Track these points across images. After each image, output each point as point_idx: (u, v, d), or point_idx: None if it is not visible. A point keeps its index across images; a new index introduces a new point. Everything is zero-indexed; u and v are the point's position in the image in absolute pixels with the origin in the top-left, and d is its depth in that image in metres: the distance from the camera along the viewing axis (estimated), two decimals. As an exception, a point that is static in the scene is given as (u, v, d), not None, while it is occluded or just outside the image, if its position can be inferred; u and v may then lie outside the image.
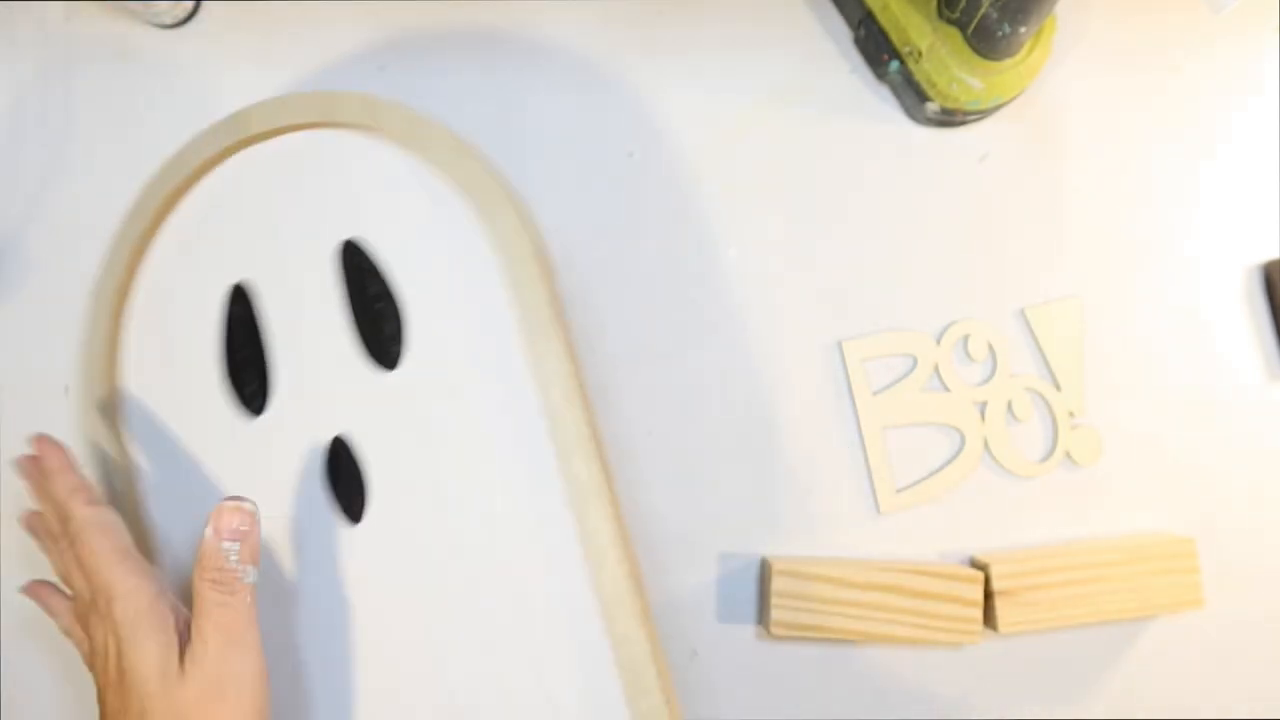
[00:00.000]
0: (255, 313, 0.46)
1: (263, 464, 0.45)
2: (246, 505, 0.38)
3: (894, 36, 0.53)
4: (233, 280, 0.46)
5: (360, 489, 0.44)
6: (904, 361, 0.55)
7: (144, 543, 0.46)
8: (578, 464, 0.41)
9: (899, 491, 0.55)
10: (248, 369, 0.46)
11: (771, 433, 0.55)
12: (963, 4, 0.49)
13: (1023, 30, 0.48)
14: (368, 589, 0.44)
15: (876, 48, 0.54)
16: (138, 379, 0.47)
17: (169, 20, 0.55)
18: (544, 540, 0.42)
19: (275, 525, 0.45)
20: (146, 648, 0.36)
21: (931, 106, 0.54)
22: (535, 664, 0.42)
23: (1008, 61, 0.51)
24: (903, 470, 0.55)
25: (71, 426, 0.54)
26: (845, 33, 0.57)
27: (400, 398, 0.44)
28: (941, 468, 0.55)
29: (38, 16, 0.55)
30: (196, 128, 0.55)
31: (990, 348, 0.55)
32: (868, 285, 0.56)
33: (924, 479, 0.55)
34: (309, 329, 0.45)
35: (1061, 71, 0.57)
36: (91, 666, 0.39)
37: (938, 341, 0.55)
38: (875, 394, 0.55)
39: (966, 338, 0.55)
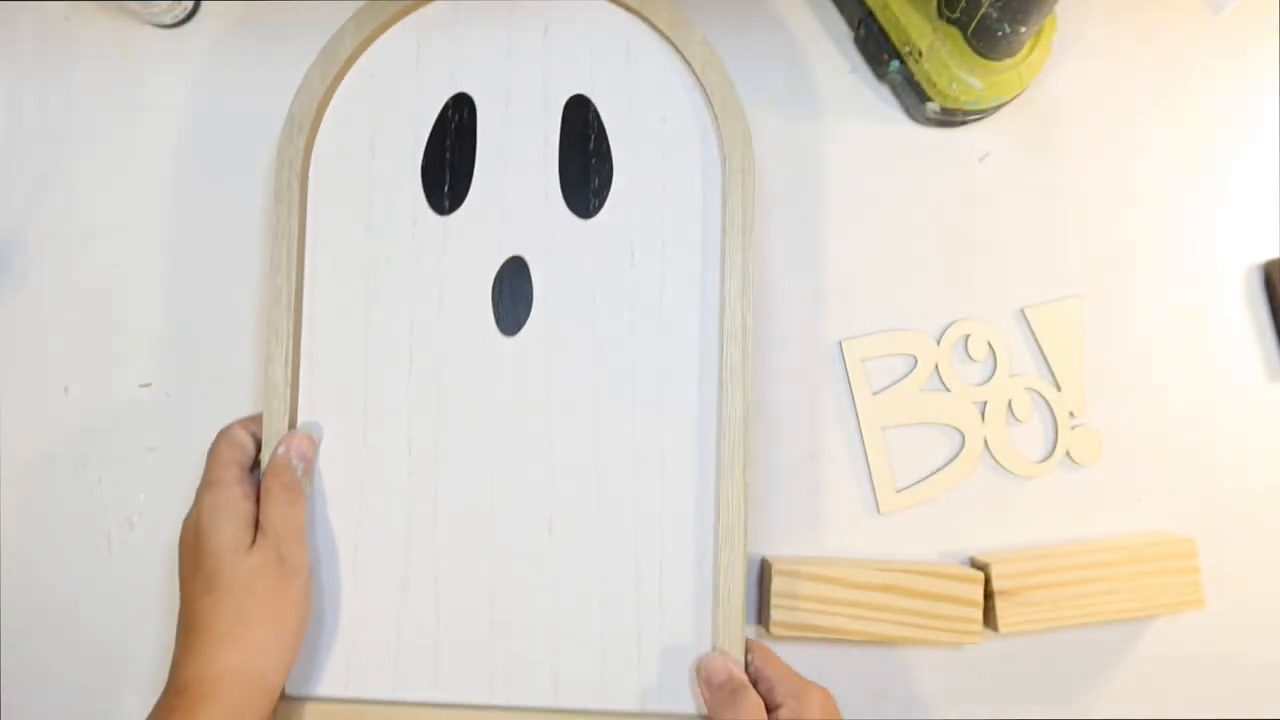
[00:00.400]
0: (474, 124, 0.51)
1: (436, 255, 0.50)
2: (314, 435, 0.48)
3: (894, 36, 0.53)
4: (459, 89, 0.51)
5: (521, 307, 0.50)
6: (904, 361, 0.55)
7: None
8: (732, 349, 0.48)
9: (899, 491, 0.55)
10: (447, 171, 0.50)
11: (772, 433, 0.55)
12: (963, 4, 0.49)
13: (1023, 30, 0.48)
14: (504, 395, 0.50)
15: (876, 47, 0.54)
16: (334, 151, 0.51)
17: (169, 20, 0.55)
18: (681, 399, 0.49)
19: (436, 317, 0.50)
20: (223, 527, 0.44)
21: (932, 106, 0.54)
22: (635, 500, 0.49)
23: (1008, 61, 0.51)
24: (903, 470, 0.55)
25: (72, 426, 0.54)
26: (845, 33, 0.57)
27: (587, 244, 0.50)
28: (941, 468, 0.55)
29: (38, 16, 0.55)
30: (196, 128, 0.55)
31: (990, 347, 0.55)
32: (868, 285, 0.56)
33: (924, 479, 0.55)
34: (520, 157, 0.50)
35: (1062, 71, 0.57)
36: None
37: (938, 341, 0.55)
38: (875, 394, 0.55)
39: (966, 338, 0.55)
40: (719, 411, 0.48)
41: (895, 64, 0.53)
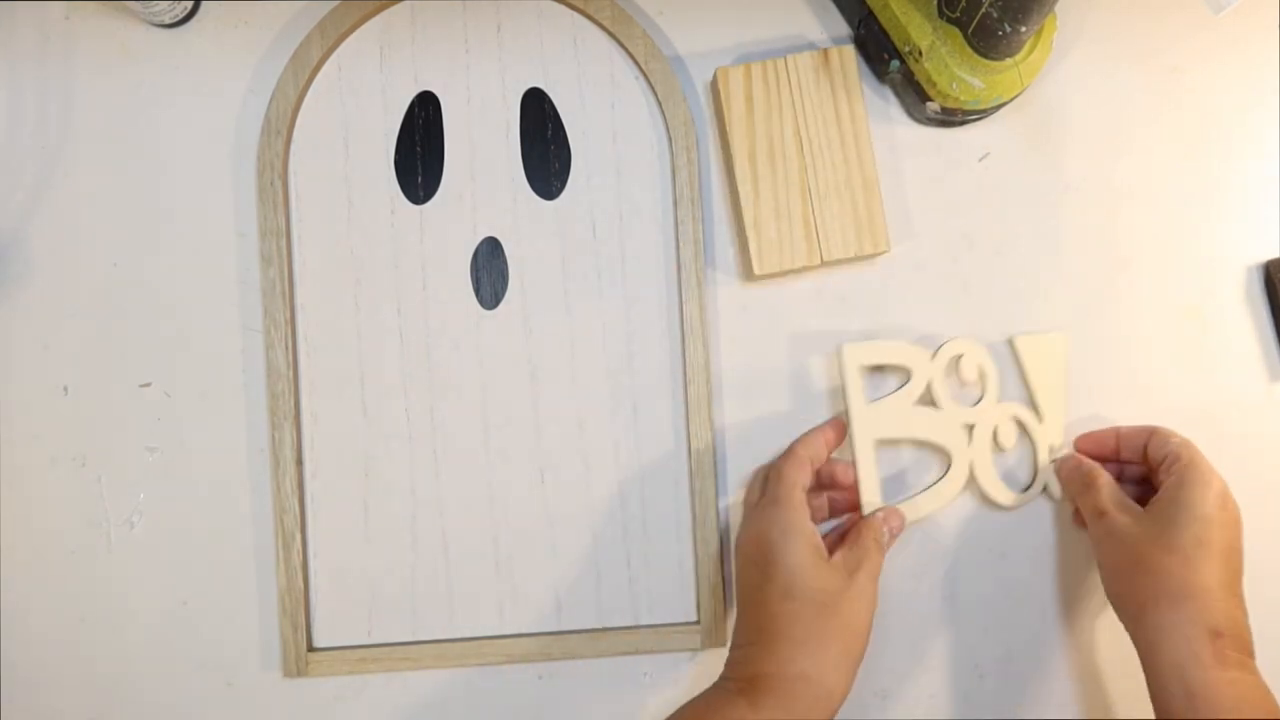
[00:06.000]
0: (440, 119, 0.55)
1: (415, 241, 0.55)
2: (905, 518, 0.52)
3: (894, 36, 0.53)
4: (423, 88, 0.55)
5: (499, 283, 0.55)
6: (899, 374, 0.54)
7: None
8: (691, 306, 0.54)
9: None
10: (418, 163, 0.55)
11: (764, 437, 0.55)
12: (963, 3, 0.49)
13: (1023, 30, 0.48)
14: (490, 363, 0.55)
15: (877, 47, 0.54)
16: (311, 152, 0.55)
17: (169, 20, 0.55)
18: (648, 354, 0.55)
19: (421, 297, 0.55)
20: (798, 544, 0.48)
21: (932, 106, 0.54)
22: (616, 445, 0.55)
23: (1008, 61, 0.51)
24: (890, 485, 0.54)
25: (72, 426, 0.54)
26: (845, 32, 0.57)
27: (553, 223, 0.55)
28: (929, 487, 0.54)
29: (38, 16, 0.55)
30: (196, 128, 0.55)
31: (981, 371, 0.54)
32: (869, 285, 0.56)
33: (909, 496, 0.54)
34: (485, 147, 0.55)
35: (1062, 71, 0.57)
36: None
37: (932, 357, 0.54)
38: (871, 403, 0.53)
39: (959, 358, 0.54)
40: (683, 361, 0.54)
41: (895, 64, 0.53)
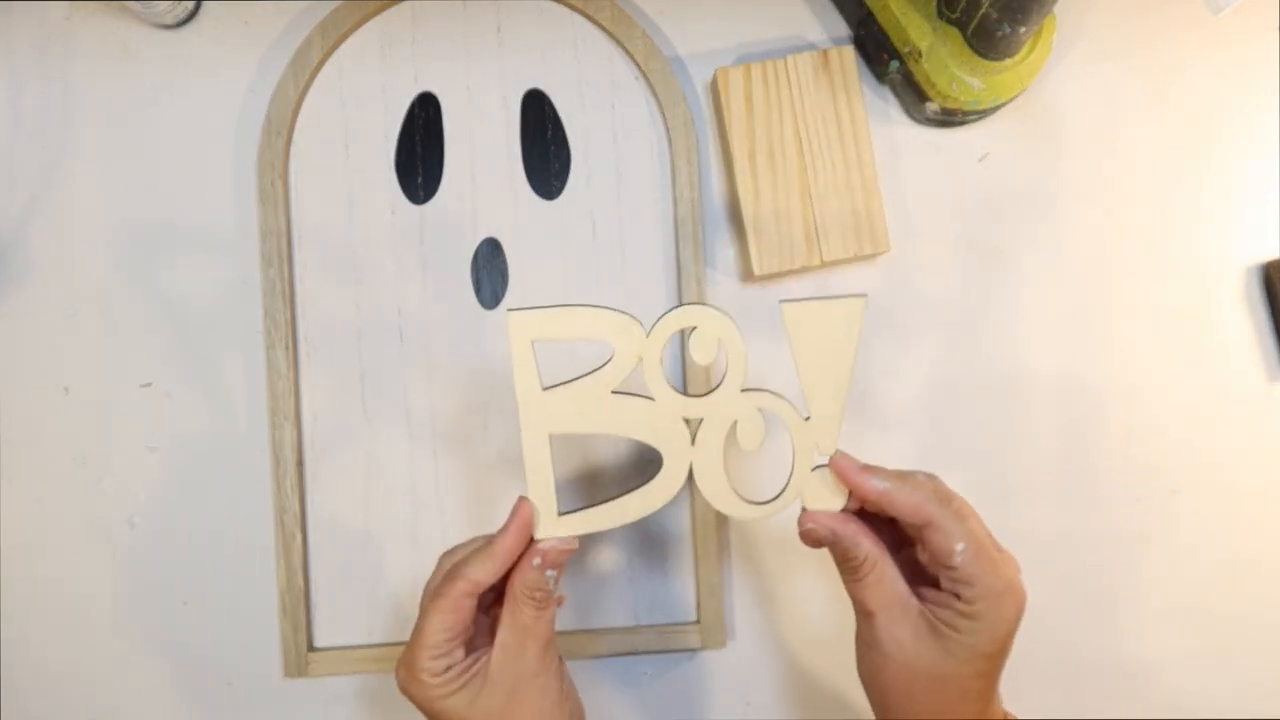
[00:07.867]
0: (440, 120, 0.55)
1: (416, 241, 0.55)
2: (573, 546, 0.42)
3: (894, 36, 0.53)
4: (423, 89, 0.55)
5: (499, 283, 0.55)
6: (601, 353, 0.42)
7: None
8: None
9: (562, 516, 0.42)
10: (419, 164, 0.55)
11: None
12: (963, 4, 0.49)
13: (1022, 30, 0.48)
14: (490, 362, 0.54)
15: (876, 47, 0.54)
16: (311, 152, 0.55)
17: (169, 20, 0.55)
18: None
19: (421, 297, 0.55)
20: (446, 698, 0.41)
21: (931, 106, 0.54)
22: (615, 445, 0.54)
23: (1007, 61, 0.51)
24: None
25: (72, 426, 0.54)
26: (845, 32, 0.57)
27: (553, 223, 0.55)
28: (625, 493, 0.42)
29: (38, 16, 0.55)
30: (196, 128, 0.55)
31: (722, 347, 0.41)
32: (869, 285, 0.56)
33: (599, 503, 0.42)
34: (485, 148, 0.55)
35: (1061, 71, 0.57)
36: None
37: (649, 331, 0.41)
38: (550, 389, 0.41)
39: (691, 333, 0.41)
40: (682, 362, 0.54)
41: (895, 64, 0.53)
